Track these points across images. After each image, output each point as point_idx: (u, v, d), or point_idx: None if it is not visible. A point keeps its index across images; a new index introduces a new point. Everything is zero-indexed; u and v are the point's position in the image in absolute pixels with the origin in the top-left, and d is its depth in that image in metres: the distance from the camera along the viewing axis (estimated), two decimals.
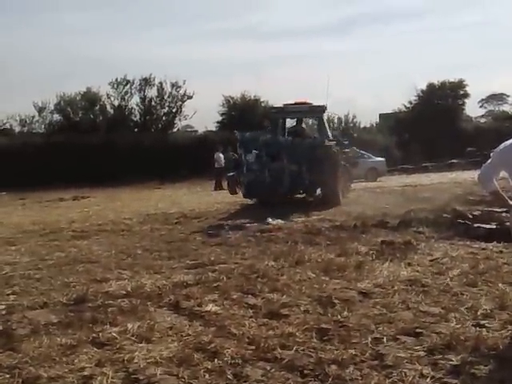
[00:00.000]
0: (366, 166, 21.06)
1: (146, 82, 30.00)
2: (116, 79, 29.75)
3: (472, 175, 4.71)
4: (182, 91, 30.11)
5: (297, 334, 3.79)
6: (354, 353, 3.43)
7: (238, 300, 4.71)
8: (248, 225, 9.48)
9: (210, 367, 3.28)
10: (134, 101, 30.17)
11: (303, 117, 14.39)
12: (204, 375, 3.18)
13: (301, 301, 4.60)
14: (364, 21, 75.90)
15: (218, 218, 10.65)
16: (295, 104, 13.98)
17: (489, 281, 4.98)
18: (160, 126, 30.23)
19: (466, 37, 72.96)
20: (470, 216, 7.94)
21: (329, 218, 9.54)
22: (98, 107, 30.09)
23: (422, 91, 33.81)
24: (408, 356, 3.35)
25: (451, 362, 3.23)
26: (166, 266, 6.24)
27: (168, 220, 10.61)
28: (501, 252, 6.17)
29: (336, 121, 29.47)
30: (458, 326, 3.80)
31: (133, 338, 3.80)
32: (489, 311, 4.09)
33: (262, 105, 31.01)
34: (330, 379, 3.08)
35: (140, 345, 3.68)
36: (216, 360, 3.39)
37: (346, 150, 14.37)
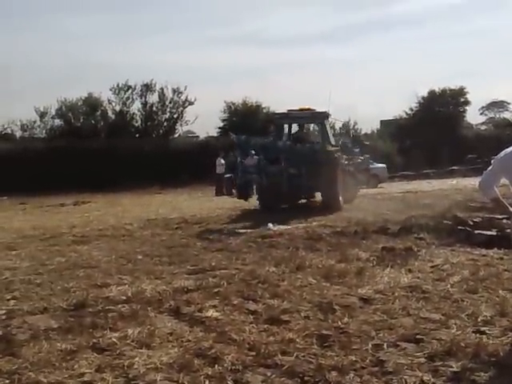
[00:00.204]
0: (368, 173, 21.10)
1: (148, 87, 30.09)
2: (117, 85, 29.86)
3: (473, 182, 4.72)
4: (183, 97, 30.22)
5: (297, 340, 3.78)
6: (354, 359, 3.42)
7: (239, 306, 4.71)
8: (249, 230, 9.49)
9: (210, 373, 3.28)
10: (136, 106, 30.30)
11: (306, 122, 14.52)
12: (204, 381, 3.18)
13: (301, 307, 4.60)
14: (365, 28, 76.05)
15: (219, 224, 10.65)
16: (298, 110, 14.10)
17: (489, 287, 4.97)
18: (161, 131, 30.30)
19: (468, 44, 73.14)
20: (471, 223, 7.94)
21: (330, 224, 9.54)
22: (99, 112, 30.18)
23: (423, 98, 33.90)
24: (408, 362, 3.34)
25: (451, 369, 3.22)
26: (166, 272, 6.24)
27: (169, 225, 10.61)
28: (501, 259, 6.17)
29: (340, 127, 29.47)
30: (458, 333, 3.79)
31: (133, 344, 3.80)
32: (489, 318, 4.09)
33: (264, 111, 31.09)
34: None
35: (140, 350, 3.68)
36: (216, 366, 3.38)
37: (360, 157, 14.57)
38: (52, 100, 31.05)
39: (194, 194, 20.28)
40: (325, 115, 13.79)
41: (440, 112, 32.56)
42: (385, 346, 3.62)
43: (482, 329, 3.87)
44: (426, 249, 6.98)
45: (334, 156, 13.00)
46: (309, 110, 13.89)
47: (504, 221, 6.80)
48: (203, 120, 41.03)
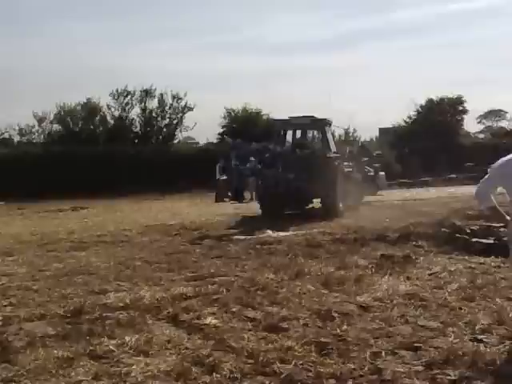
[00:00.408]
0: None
1: (147, 93, 30.13)
2: (117, 90, 29.89)
3: (470, 190, 4.72)
4: (182, 103, 30.27)
5: (296, 347, 3.78)
6: (352, 367, 3.43)
7: (238, 313, 4.71)
8: (248, 237, 9.49)
9: (208, 381, 3.28)
10: (135, 112, 30.31)
11: (305, 129, 14.63)
12: None
13: (300, 314, 4.60)
14: (365, 36, 76.50)
15: (218, 230, 10.64)
16: (299, 117, 14.24)
17: (487, 296, 4.98)
18: (161, 137, 30.32)
19: (466, 53, 73.45)
20: (469, 231, 7.95)
21: (329, 231, 9.55)
22: (98, 118, 30.19)
23: (421, 106, 34.00)
24: (406, 370, 3.35)
25: (449, 377, 3.22)
26: (165, 278, 6.23)
27: (168, 231, 10.60)
28: (499, 267, 6.18)
29: (341, 134, 29.51)
30: (455, 341, 3.80)
31: (130, 351, 3.79)
32: (486, 326, 4.10)
33: (264, 117, 31.15)
34: None
35: (138, 358, 3.67)
36: (214, 374, 3.38)
37: (375, 165, 14.99)
38: (51, 105, 31.14)
39: (194, 200, 20.27)
40: (325, 122, 13.89)
41: (438, 120, 32.64)
42: (383, 354, 3.62)
43: (480, 337, 3.87)
44: (424, 256, 6.99)
45: (333, 163, 13.10)
46: (309, 116, 14.01)
47: (501, 229, 6.82)
48: (203, 126, 41.20)
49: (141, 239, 9.74)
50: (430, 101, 33.86)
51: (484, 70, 71.42)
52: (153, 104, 30.26)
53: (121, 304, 5.04)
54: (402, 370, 3.36)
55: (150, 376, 3.36)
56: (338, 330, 4.13)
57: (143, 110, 30.16)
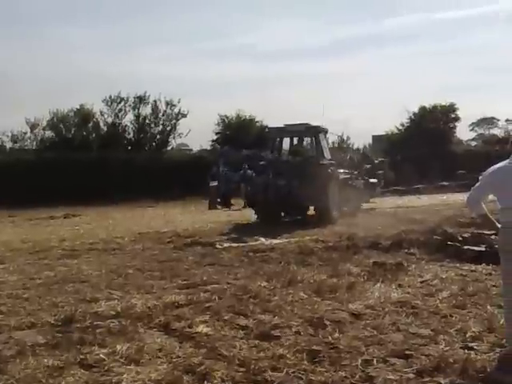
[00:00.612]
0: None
1: (141, 99, 30.07)
2: (110, 96, 29.79)
3: (462, 197, 4.78)
4: (176, 109, 30.23)
5: (288, 355, 3.78)
6: (344, 375, 3.43)
7: (230, 321, 4.70)
8: (241, 244, 9.49)
9: None
10: (128, 118, 30.23)
11: (299, 136, 14.75)
12: None
13: (292, 322, 4.60)
14: (358, 43, 77.17)
15: (211, 238, 10.61)
16: (293, 124, 14.40)
17: (478, 303, 5.02)
18: (154, 144, 30.24)
19: (458, 61, 74.25)
20: (460, 238, 8.00)
21: (322, 239, 9.57)
22: (91, 124, 30.08)
23: (414, 114, 34.21)
24: (397, 378, 3.36)
25: None
26: (157, 286, 6.21)
27: (161, 239, 10.56)
28: (490, 274, 6.23)
29: (334, 141, 29.63)
30: (446, 349, 3.82)
31: (121, 360, 3.77)
32: (477, 333, 4.12)
33: (257, 124, 31.21)
34: None
35: (128, 367, 3.65)
36: (206, 382, 3.37)
37: (378, 172, 15.34)
38: (44, 111, 30.96)
39: (187, 207, 20.23)
40: (318, 129, 13.98)
41: (431, 128, 32.85)
42: (374, 362, 3.63)
43: (471, 344, 3.90)
44: (416, 264, 7.03)
45: (326, 169, 13.18)
46: (303, 124, 14.12)
47: (492, 237, 6.86)
48: (197, 133, 41.20)
49: (133, 247, 9.70)
50: (423, 108, 34.10)
51: (477, 77, 72.21)
52: (146, 110, 30.21)
53: (112, 312, 5.02)
54: (393, 377, 3.37)
55: None
56: (330, 338, 4.13)
57: (136, 116, 30.08)
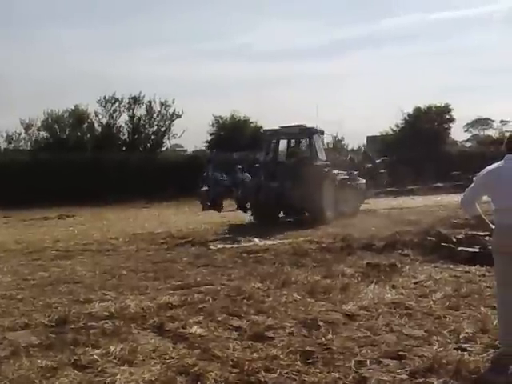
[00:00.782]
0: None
1: (135, 100, 30.01)
2: (104, 97, 29.72)
3: (456, 198, 4.81)
4: (171, 110, 30.19)
5: (281, 356, 3.79)
6: (337, 376, 3.44)
7: (223, 322, 4.70)
8: (235, 245, 9.49)
9: None
10: (123, 119, 30.16)
11: (294, 138, 14.82)
12: None
13: (286, 323, 4.60)
14: (353, 44, 77.43)
15: (205, 238, 10.60)
16: (287, 126, 14.49)
17: (471, 304, 5.03)
18: (148, 144, 30.18)
19: (453, 62, 74.66)
20: (454, 239, 8.02)
21: (316, 240, 9.57)
22: (85, 125, 29.99)
23: (409, 115, 34.31)
24: (391, 379, 3.36)
25: None
26: (151, 287, 6.20)
27: (154, 240, 10.55)
28: (483, 275, 6.24)
29: (329, 141, 29.69)
30: (440, 350, 3.83)
31: (115, 361, 3.76)
32: (471, 335, 4.14)
33: (252, 125, 31.23)
34: None
35: (122, 368, 3.65)
36: (199, 383, 3.36)
37: (381, 171, 15.58)
38: (38, 112, 30.85)
39: (181, 208, 20.19)
40: (313, 131, 14.03)
41: (425, 129, 32.96)
42: (368, 363, 3.64)
43: (464, 346, 3.91)
44: (409, 265, 7.04)
45: (320, 171, 13.24)
46: (298, 126, 14.18)
47: (486, 238, 6.89)
48: (191, 134, 41.15)
49: (127, 248, 9.68)
50: (418, 109, 34.18)
51: (471, 78, 72.57)
52: (141, 111, 30.16)
53: (106, 313, 5.01)
54: (386, 378, 3.38)
55: None
56: (324, 339, 4.14)
57: (131, 117, 30.01)
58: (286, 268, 7.10)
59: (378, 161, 17.55)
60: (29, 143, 29.90)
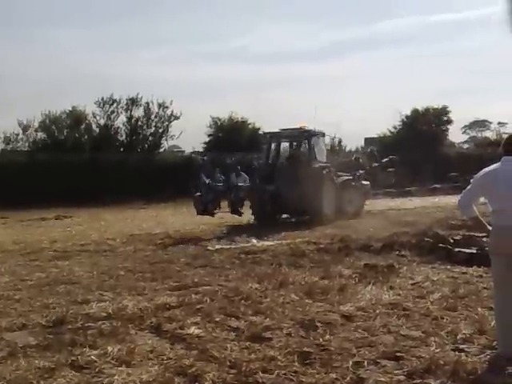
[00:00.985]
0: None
1: (133, 101, 29.98)
2: (102, 98, 29.68)
3: (454, 200, 4.84)
4: (168, 111, 30.17)
5: (279, 357, 3.78)
6: (334, 377, 3.44)
7: (221, 323, 4.70)
8: (233, 246, 9.49)
9: None
10: (121, 120, 30.12)
11: (294, 140, 14.88)
12: None
13: (284, 324, 4.60)
14: (351, 46, 77.56)
15: (202, 239, 10.62)
16: (286, 129, 14.61)
17: (468, 305, 5.04)
18: (146, 145, 30.15)
19: (450, 64, 74.79)
20: (451, 240, 8.04)
21: (313, 241, 9.58)
22: (83, 126, 29.95)
23: (407, 117, 34.35)
24: (388, 380, 3.37)
25: None
26: (148, 288, 6.19)
27: (152, 241, 10.54)
28: (481, 276, 6.25)
29: (326, 143, 29.69)
30: (437, 350, 3.83)
31: (112, 362, 3.76)
32: (468, 336, 4.14)
33: (250, 126, 31.25)
34: None
35: (120, 368, 3.64)
36: None
37: (389, 170, 15.83)
38: (36, 113, 30.77)
39: (179, 209, 20.17)
40: (311, 133, 14.08)
41: (423, 130, 33.00)
42: (365, 364, 3.64)
43: (461, 346, 3.91)
44: (407, 266, 7.05)
45: (318, 172, 13.31)
46: (299, 128, 14.24)
47: (484, 239, 6.90)
48: (189, 135, 41.13)
49: (125, 248, 9.67)
50: (415, 111, 34.23)
51: (469, 80, 72.72)
52: (139, 112, 30.14)
53: (103, 314, 5.00)
54: (383, 379, 3.38)
55: None
56: (321, 340, 4.14)
57: (129, 118, 29.97)
58: (283, 269, 7.10)
59: (385, 160, 17.60)
60: (26, 144, 29.84)
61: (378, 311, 4.90)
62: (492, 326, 4.12)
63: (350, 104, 59.00)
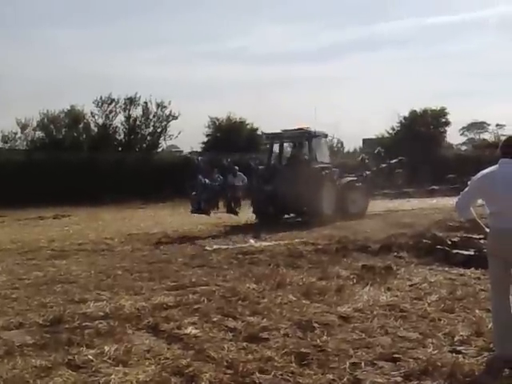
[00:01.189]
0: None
1: (131, 101, 29.96)
2: (100, 97, 29.66)
3: (452, 201, 4.83)
4: (167, 111, 30.15)
5: (276, 358, 3.78)
6: (331, 378, 3.43)
7: (218, 323, 4.70)
8: (230, 246, 9.49)
9: None
10: (119, 120, 30.10)
11: (294, 141, 15.03)
12: None
13: (281, 324, 4.60)
14: (350, 47, 77.63)
15: (200, 239, 10.62)
16: (286, 130, 14.69)
17: (466, 307, 5.04)
18: (144, 145, 30.14)
19: (449, 65, 74.92)
20: (449, 242, 8.04)
21: (311, 241, 9.58)
22: (81, 125, 29.91)
23: (405, 118, 34.39)
24: (385, 381, 3.37)
25: None
26: (146, 288, 6.19)
27: (150, 240, 10.54)
28: (478, 278, 6.25)
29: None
30: (434, 352, 3.83)
31: (109, 361, 3.75)
32: (465, 337, 4.14)
33: (248, 127, 31.27)
34: None
35: (116, 368, 3.64)
36: None
37: (398, 171, 16.16)
38: (34, 112, 30.75)
39: (177, 208, 20.15)
40: (311, 134, 14.12)
41: (421, 132, 33.04)
42: (362, 365, 3.64)
43: (459, 348, 3.91)
44: (405, 267, 7.05)
45: (317, 173, 13.35)
46: (300, 129, 14.27)
47: (481, 241, 6.91)
48: (187, 135, 41.12)
49: (122, 248, 9.67)
50: (414, 112, 34.28)
51: (466, 82, 72.84)
52: (137, 112, 30.11)
53: (101, 313, 5.00)
54: (381, 380, 3.38)
55: None
56: (318, 341, 4.14)
57: (127, 118, 29.95)
58: (281, 269, 7.09)
59: (394, 161, 17.64)
60: (25, 143, 29.82)
61: (375, 312, 4.90)
62: (489, 328, 4.12)
63: (348, 105, 59.12)
